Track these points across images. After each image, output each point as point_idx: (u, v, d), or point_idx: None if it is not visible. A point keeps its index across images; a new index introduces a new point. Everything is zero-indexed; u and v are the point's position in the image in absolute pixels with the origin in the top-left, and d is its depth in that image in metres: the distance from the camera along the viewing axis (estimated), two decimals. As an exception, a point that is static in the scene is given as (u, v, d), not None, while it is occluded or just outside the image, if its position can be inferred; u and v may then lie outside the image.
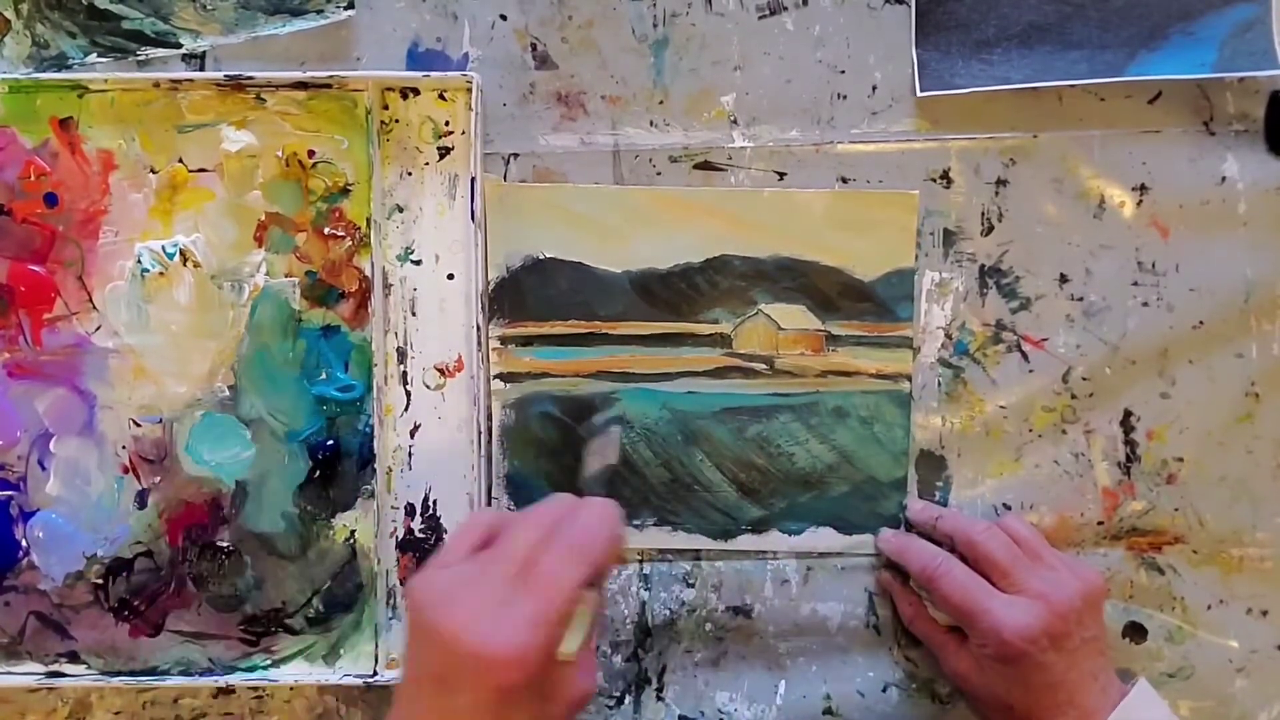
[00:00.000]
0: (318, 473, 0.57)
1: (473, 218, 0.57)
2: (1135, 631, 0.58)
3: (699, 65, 0.58)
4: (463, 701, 0.40)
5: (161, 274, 0.57)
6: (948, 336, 0.58)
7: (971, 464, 0.58)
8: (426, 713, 0.41)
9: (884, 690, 0.58)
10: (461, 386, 0.58)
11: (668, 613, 0.58)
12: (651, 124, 0.58)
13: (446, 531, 0.58)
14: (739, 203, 0.58)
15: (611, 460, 0.55)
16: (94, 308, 0.57)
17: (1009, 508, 0.58)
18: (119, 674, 0.58)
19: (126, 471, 0.58)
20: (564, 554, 0.42)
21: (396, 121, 0.58)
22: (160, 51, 0.58)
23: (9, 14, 0.57)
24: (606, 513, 0.45)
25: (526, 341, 0.58)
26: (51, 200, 0.57)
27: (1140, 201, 0.58)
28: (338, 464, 0.57)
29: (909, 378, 0.58)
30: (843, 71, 0.58)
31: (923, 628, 0.56)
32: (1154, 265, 0.58)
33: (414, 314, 0.58)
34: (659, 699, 0.58)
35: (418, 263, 0.58)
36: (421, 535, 0.58)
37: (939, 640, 0.56)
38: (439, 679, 0.41)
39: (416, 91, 0.58)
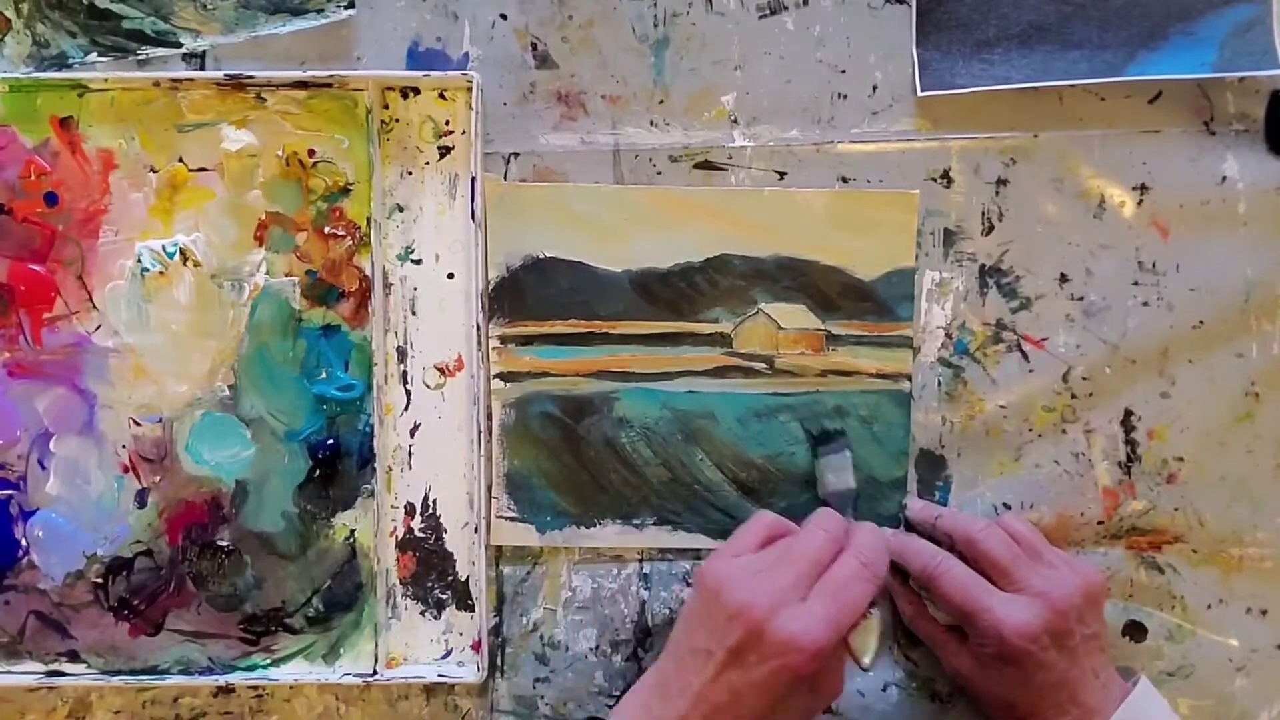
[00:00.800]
0: (318, 472, 0.57)
1: (473, 217, 0.57)
2: (1135, 630, 0.58)
3: (699, 65, 0.58)
4: (758, 675, 0.46)
5: (162, 273, 0.57)
6: (948, 336, 0.58)
7: (971, 464, 0.58)
8: (715, 680, 0.47)
9: (884, 689, 0.58)
10: (461, 386, 0.58)
11: (668, 612, 0.58)
12: (652, 123, 0.58)
13: (446, 531, 0.58)
14: (739, 202, 0.58)
15: (850, 484, 0.57)
16: (94, 307, 0.57)
17: (1009, 507, 0.58)
18: (119, 673, 0.58)
19: (126, 471, 0.58)
20: (855, 567, 0.48)
21: (397, 121, 0.58)
22: (160, 51, 0.58)
23: (9, 13, 0.57)
24: (880, 538, 0.51)
25: (526, 341, 0.58)
26: (52, 199, 0.57)
27: (1140, 201, 0.58)
28: (338, 463, 0.57)
29: (909, 377, 0.58)
30: (843, 71, 0.58)
31: (923, 627, 0.56)
32: (1154, 265, 0.58)
33: (414, 313, 0.58)
34: (659, 698, 0.58)
35: (418, 262, 0.58)
36: (421, 535, 0.58)
37: (939, 639, 0.56)
38: (736, 653, 0.47)
39: (417, 91, 0.58)
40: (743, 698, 0.46)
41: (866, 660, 0.51)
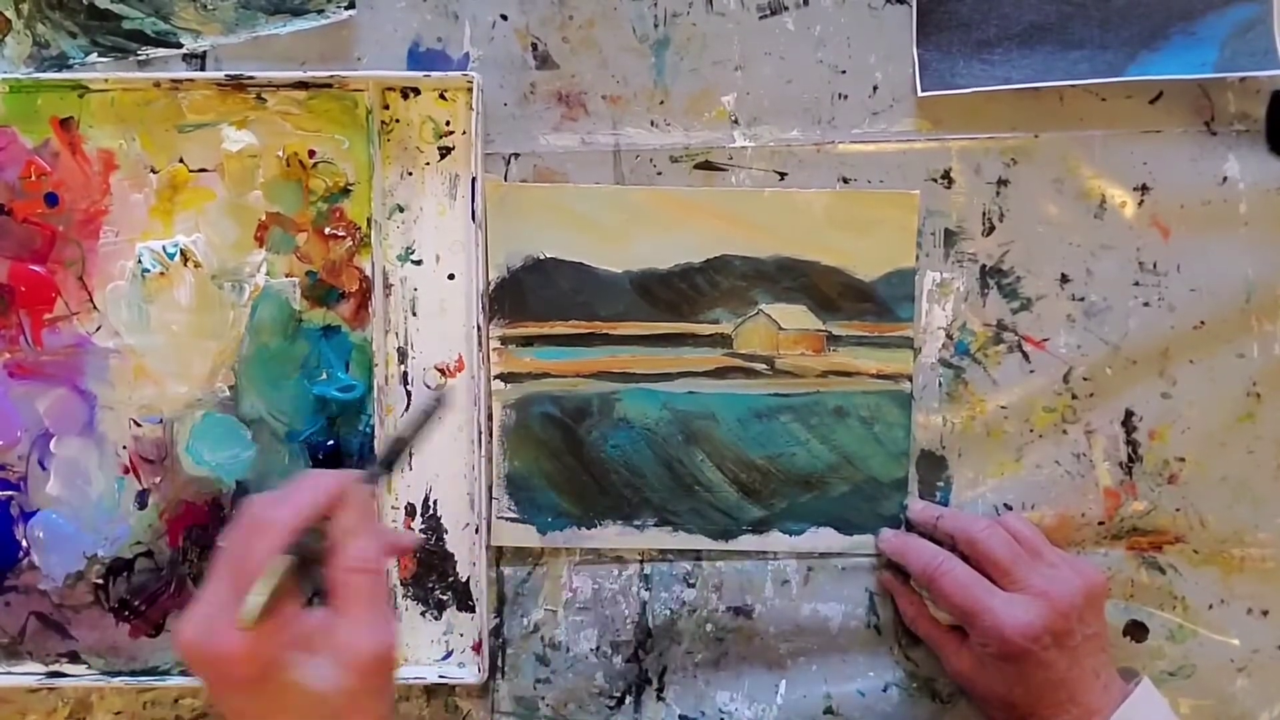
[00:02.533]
0: (318, 473, 0.57)
1: (473, 218, 0.57)
2: (1136, 630, 0.58)
3: (700, 65, 0.58)
4: (226, 699, 0.42)
5: (162, 274, 0.57)
6: (948, 337, 0.58)
7: (972, 464, 0.58)
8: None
9: (885, 690, 0.58)
10: (462, 386, 0.58)
11: (668, 613, 0.58)
12: (652, 124, 0.58)
13: (447, 531, 0.58)
14: (739, 203, 0.58)
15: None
16: (94, 308, 0.57)
17: (1010, 508, 0.58)
18: (119, 674, 0.58)
19: (127, 472, 0.58)
20: (259, 532, 0.42)
21: (397, 121, 0.58)
22: (161, 51, 0.58)
23: (10, 14, 0.57)
24: (317, 478, 0.45)
25: (527, 342, 0.58)
26: (52, 200, 0.57)
27: (1141, 201, 0.58)
28: (338, 464, 0.57)
29: (910, 378, 0.58)
30: (844, 71, 0.58)
31: (924, 627, 0.56)
32: (1155, 265, 0.58)
33: (414, 314, 0.58)
34: (659, 699, 0.58)
35: (418, 263, 0.58)
36: (421, 535, 0.58)
37: (941, 639, 0.56)
38: (208, 688, 0.44)
39: (417, 91, 0.58)
40: None
41: (240, 615, 0.40)
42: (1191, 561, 0.58)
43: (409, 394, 0.58)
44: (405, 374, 0.58)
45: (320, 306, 0.58)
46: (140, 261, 0.57)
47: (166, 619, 0.58)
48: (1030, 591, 0.51)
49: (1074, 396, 0.58)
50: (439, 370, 0.58)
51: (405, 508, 0.58)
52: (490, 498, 0.58)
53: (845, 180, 0.58)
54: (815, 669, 0.58)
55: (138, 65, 0.58)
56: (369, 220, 0.57)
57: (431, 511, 0.58)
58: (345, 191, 0.57)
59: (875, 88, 0.58)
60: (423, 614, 0.58)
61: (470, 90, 0.56)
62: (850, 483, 0.58)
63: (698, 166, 0.58)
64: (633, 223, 0.58)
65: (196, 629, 0.41)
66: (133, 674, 0.58)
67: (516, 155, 0.58)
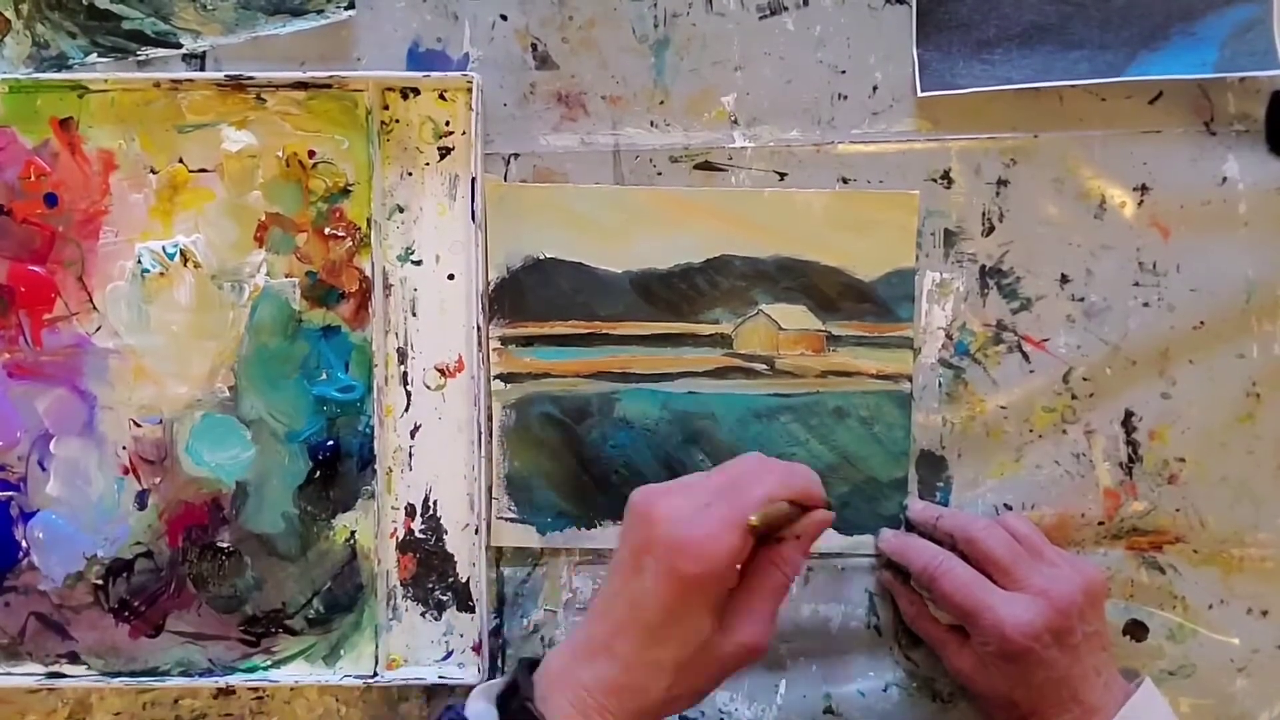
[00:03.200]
0: (318, 473, 0.57)
1: (473, 218, 0.57)
2: (1136, 629, 0.58)
3: (699, 65, 0.58)
4: (648, 582, 0.45)
5: (162, 274, 0.57)
6: (948, 337, 0.58)
7: (972, 464, 0.58)
8: (620, 587, 0.46)
9: (885, 690, 0.58)
10: (462, 387, 0.58)
11: (668, 613, 0.58)
12: (652, 124, 0.58)
13: (447, 532, 0.58)
14: (739, 203, 0.58)
15: None
16: (94, 308, 0.57)
17: (1009, 508, 0.58)
18: (119, 675, 0.58)
19: (126, 472, 0.58)
20: (765, 475, 0.47)
21: (397, 121, 0.58)
22: (160, 51, 0.58)
23: (9, 14, 0.57)
24: (809, 472, 0.49)
25: (527, 342, 0.58)
26: (51, 200, 0.57)
27: (1141, 202, 0.58)
28: (338, 464, 0.57)
29: (909, 378, 0.58)
30: (843, 71, 0.58)
31: (924, 627, 0.56)
32: (1155, 265, 0.58)
33: (414, 314, 0.58)
34: (659, 699, 0.58)
35: (418, 263, 0.58)
36: (422, 535, 0.58)
37: (941, 639, 0.55)
38: (635, 557, 0.46)
39: (417, 91, 0.58)
40: (640, 606, 0.45)
41: (753, 516, 0.45)
42: (1191, 561, 0.58)
43: (409, 394, 0.58)
44: (405, 374, 0.58)
45: (320, 307, 0.58)
46: (140, 262, 0.57)
47: (166, 619, 0.58)
48: (1031, 590, 0.51)
49: (1074, 396, 0.58)
50: (439, 370, 0.58)
51: (405, 508, 0.58)
52: (490, 498, 0.58)
53: (845, 180, 0.58)
54: (815, 669, 0.58)
55: (137, 65, 0.58)
56: (369, 220, 0.57)
57: (431, 512, 0.58)
58: (345, 192, 0.57)
59: (875, 88, 0.58)
60: (423, 614, 0.58)
61: (470, 90, 0.56)
62: (850, 483, 0.58)
63: (697, 167, 0.58)
64: (633, 223, 0.58)
65: (677, 514, 0.45)
66: (132, 674, 0.58)
67: (516, 155, 0.58)
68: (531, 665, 0.47)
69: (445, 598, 0.58)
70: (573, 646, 0.47)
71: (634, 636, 0.45)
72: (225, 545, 0.58)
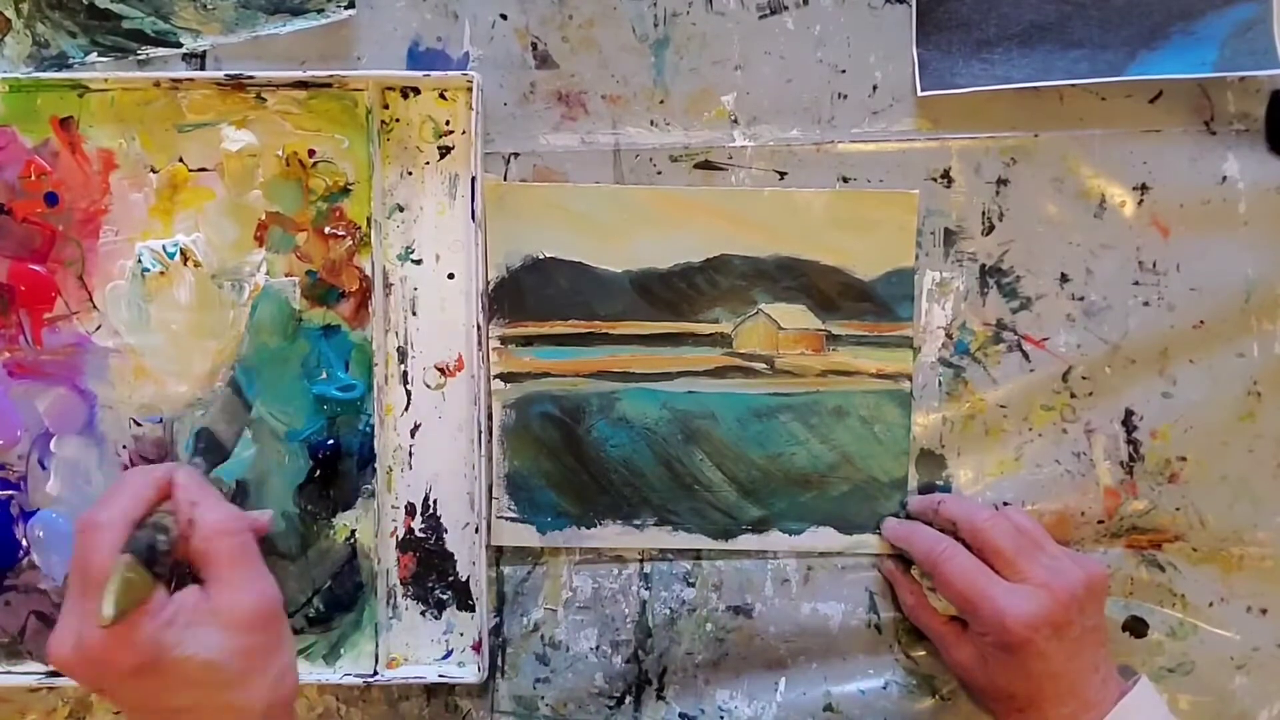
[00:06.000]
0: (318, 472, 0.57)
1: (473, 217, 0.57)
2: (1136, 625, 0.58)
3: (699, 65, 0.58)
4: (125, 694, 0.44)
5: (162, 273, 0.57)
6: (948, 336, 0.58)
7: (972, 463, 0.58)
8: (129, 717, 0.47)
9: (885, 688, 0.58)
10: (462, 386, 0.58)
11: (668, 612, 0.58)
12: (652, 123, 0.58)
13: (447, 531, 0.58)
14: (739, 202, 0.58)
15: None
16: (94, 307, 0.57)
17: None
18: (119, 673, 0.58)
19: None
20: (92, 539, 0.44)
21: (397, 121, 0.58)
22: (160, 51, 0.58)
23: (9, 13, 0.57)
24: (136, 473, 0.47)
25: (527, 341, 0.58)
26: (52, 199, 0.57)
27: (1141, 201, 0.58)
28: (338, 464, 0.57)
29: (909, 377, 0.58)
30: (843, 71, 0.58)
31: (924, 618, 0.56)
32: (1155, 265, 0.58)
33: (414, 313, 0.58)
34: (659, 698, 0.58)
35: (418, 262, 0.58)
36: (422, 535, 0.58)
37: (940, 631, 0.56)
38: (102, 694, 0.47)
39: (417, 91, 0.58)
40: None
41: (102, 608, 0.42)
42: (1190, 560, 0.58)
43: (409, 393, 0.58)
44: (405, 373, 0.58)
45: (320, 306, 0.58)
46: (140, 261, 0.57)
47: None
48: (1032, 582, 0.51)
49: (1073, 395, 0.58)
50: (439, 370, 0.58)
51: (405, 507, 0.58)
52: (490, 497, 0.58)
53: (845, 180, 0.58)
54: (815, 668, 0.58)
55: (137, 65, 0.58)
56: (369, 220, 0.57)
57: (431, 511, 0.58)
58: (345, 191, 0.57)
59: (875, 87, 0.58)
60: (423, 613, 0.58)
61: (470, 90, 0.56)
62: (850, 482, 0.58)
63: (697, 166, 0.58)
64: (632, 222, 0.58)
65: (65, 642, 0.43)
66: (133, 673, 0.58)
67: (516, 155, 0.58)
68: None
69: (445, 597, 0.58)
70: None
71: None
72: (225, 544, 0.58)
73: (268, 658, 0.45)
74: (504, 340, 0.58)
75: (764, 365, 0.58)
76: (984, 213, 0.58)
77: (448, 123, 0.58)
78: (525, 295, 0.58)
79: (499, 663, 0.58)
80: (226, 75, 0.56)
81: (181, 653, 0.43)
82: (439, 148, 0.58)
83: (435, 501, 0.58)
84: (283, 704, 0.46)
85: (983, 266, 0.58)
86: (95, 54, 0.58)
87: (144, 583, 0.44)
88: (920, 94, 0.57)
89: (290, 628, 0.48)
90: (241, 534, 0.47)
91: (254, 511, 0.52)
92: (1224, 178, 0.57)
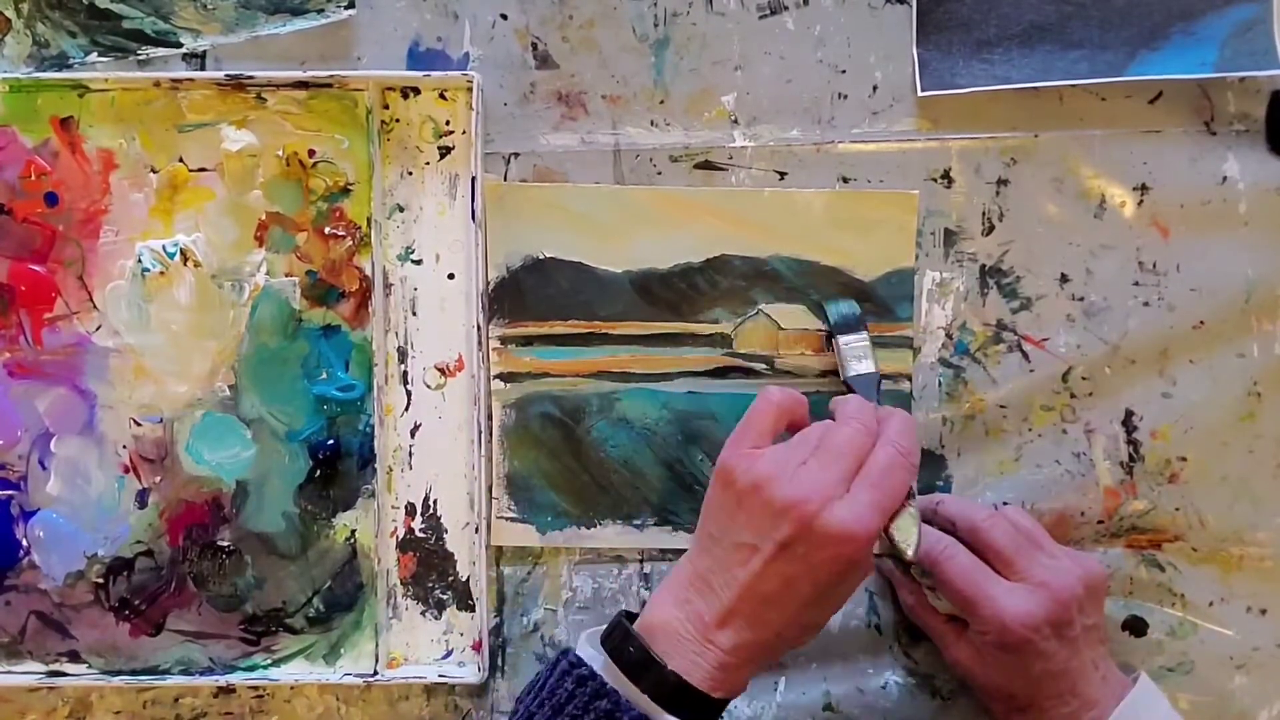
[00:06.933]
0: (318, 472, 0.57)
1: (473, 217, 0.57)
2: (1136, 625, 0.58)
3: (699, 65, 0.58)
4: (810, 565, 0.46)
5: (162, 273, 0.57)
6: (948, 336, 0.58)
7: (972, 463, 0.58)
8: (763, 572, 0.47)
9: (884, 687, 0.58)
10: (462, 386, 0.58)
11: (668, 612, 0.58)
12: (652, 124, 0.58)
13: (447, 531, 0.58)
14: (739, 202, 0.58)
15: (872, 368, 0.56)
16: (94, 307, 0.57)
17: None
18: (119, 673, 0.58)
19: (127, 471, 0.58)
20: (892, 455, 0.48)
21: (397, 121, 0.58)
22: (161, 51, 0.58)
23: (10, 13, 0.57)
24: (911, 424, 0.51)
25: (527, 341, 0.58)
26: (52, 200, 0.57)
27: (1141, 201, 0.58)
28: (338, 464, 0.57)
29: (909, 377, 0.58)
30: (843, 71, 0.58)
31: (924, 617, 0.56)
32: (1155, 265, 0.58)
33: (414, 314, 0.58)
34: (659, 698, 0.58)
35: (418, 262, 0.58)
36: (422, 535, 0.58)
37: (940, 630, 0.56)
38: (786, 545, 0.46)
39: (417, 91, 0.58)
40: (795, 586, 0.47)
41: (910, 551, 0.49)
42: (1190, 560, 0.58)
43: (409, 394, 0.58)
44: (405, 373, 0.58)
45: (320, 306, 0.58)
46: (140, 261, 0.57)
47: (167, 618, 0.58)
48: (1032, 581, 0.51)
49: (1073, 396, 0.58)
50: (439, 370, 0.58)
51: (405, 507, 0.58)
52: (490, 497, 0.58)
53: (845, 180, 0.58)
54: (815, 668, 0.58)
55: (138, 65, 0.58)
56: (369, 220, 0.57)
57: (431, 511, 0.58)
58: (345, 191, 0.57)
59: (875, 87, 0.58)
60: (423, 613, 0.58)
61: (470, 90, 0.56)
62: (850, 482, 0.58)
63: (697, 166, 0.58)
64: (632, 222, 0.58)
65: (828, 503, 0.46)
66: (133, 673, 0.58)
67: (516, 155, 0.58)
68: (630, 618, 0.49)
69: (445, 596, 0.58)
70: (693, 614, 0.48)
71: (787, 609, 0.47)
72: (225, 544, 0.58)
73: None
74: (504, 340, 0.58)
75: (764, 365, 0.58)
76: (984, 213, 0.58)
77: (448, 123, 0.58)
78: (525, 295, 0.58)
79: (499, 663, 0.58)
80: (226, 75, 0.56)
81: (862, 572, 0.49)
82: (439, 148, 0.58)
83: (435, 502, 0.58)
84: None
85: (983, 267, 0.58)
86: (95, 54, 0.58)
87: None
88: (920, 94, 0.57)
89: None
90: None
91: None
92: (1224, 178, 0.57)
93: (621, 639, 0.48)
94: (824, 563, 0.46)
